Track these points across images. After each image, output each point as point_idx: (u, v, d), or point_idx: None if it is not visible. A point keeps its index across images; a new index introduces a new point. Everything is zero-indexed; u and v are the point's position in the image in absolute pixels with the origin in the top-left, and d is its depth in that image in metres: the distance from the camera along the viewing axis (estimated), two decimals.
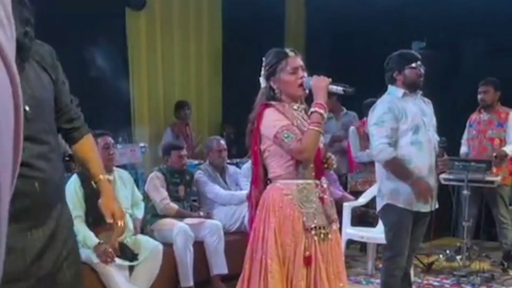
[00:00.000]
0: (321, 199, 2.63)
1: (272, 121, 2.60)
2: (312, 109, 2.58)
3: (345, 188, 5.76)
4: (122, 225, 2.19)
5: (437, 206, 3.56)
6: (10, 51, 0.45)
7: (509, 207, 5.27)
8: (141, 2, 5.89)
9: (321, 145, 2.69)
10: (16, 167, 0.46)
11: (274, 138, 2.58)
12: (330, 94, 2.68)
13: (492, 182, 4.83)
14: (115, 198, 2.23)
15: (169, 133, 6.01)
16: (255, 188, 2.71)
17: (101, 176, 2.15)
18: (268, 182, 2.67)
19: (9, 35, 0.45)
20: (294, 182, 2.60)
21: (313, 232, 2.57)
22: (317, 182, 2.65)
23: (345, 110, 6.25)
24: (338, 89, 2.63)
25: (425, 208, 3.41)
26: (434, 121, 3.55)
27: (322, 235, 2.59)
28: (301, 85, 2.64)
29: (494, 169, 4.89)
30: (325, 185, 2.68)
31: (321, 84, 2.59)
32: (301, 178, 2.61)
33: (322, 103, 2.56)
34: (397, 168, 3.37)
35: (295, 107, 2.68)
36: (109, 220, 2.14)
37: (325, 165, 2.73)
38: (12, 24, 0.47)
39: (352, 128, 5.75)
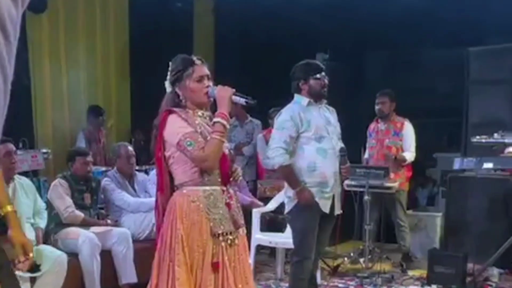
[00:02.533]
0: (228, 205, 2.65)
1: (175, 128, 2.59)
2: (215, 119, 2.60)
3: (254, 194, 5.85)
4: (32, 256, 2.14)
5: (341, 211, 3.72)
6: None
7: (406, 211, 5.60)
8: (42, 4, 5.59)
9: (226, 151, 2.70)
10: None
11: (177, 145, 2.57)
12: (235, 103, 2.74)
13: (390, 188, 5.11)
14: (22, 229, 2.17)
15: (82, 137, 5.84)
16: (161, 195, 2.69)
17: (9, 207, 2.05)
18: (175, 188, 2.66)
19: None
20: (201, 189, 2.61)
21: (220, 238, 2.58)
22: (224, 188, 2.67)
23: (249, 118, 6.36)
24: (241, 100, 2.68)
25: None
26: (338, 128, 3.73)
27: (229, 241, 2.61)
28: (206, 93, 2.65)
29: (392, 175, 5.18)
30: (231, 191, 2.71)
31: (224, 94, 2.61)
32: (207, 184, 2.62)
33: (225, 113, 2.59)
34: (289, 174, 3.58)
35: (200, 113, 2.69)
36: (22, 258, 2.07)
37: (231, 178, 2.74)
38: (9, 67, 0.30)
39: (260, 135, 6.01)
